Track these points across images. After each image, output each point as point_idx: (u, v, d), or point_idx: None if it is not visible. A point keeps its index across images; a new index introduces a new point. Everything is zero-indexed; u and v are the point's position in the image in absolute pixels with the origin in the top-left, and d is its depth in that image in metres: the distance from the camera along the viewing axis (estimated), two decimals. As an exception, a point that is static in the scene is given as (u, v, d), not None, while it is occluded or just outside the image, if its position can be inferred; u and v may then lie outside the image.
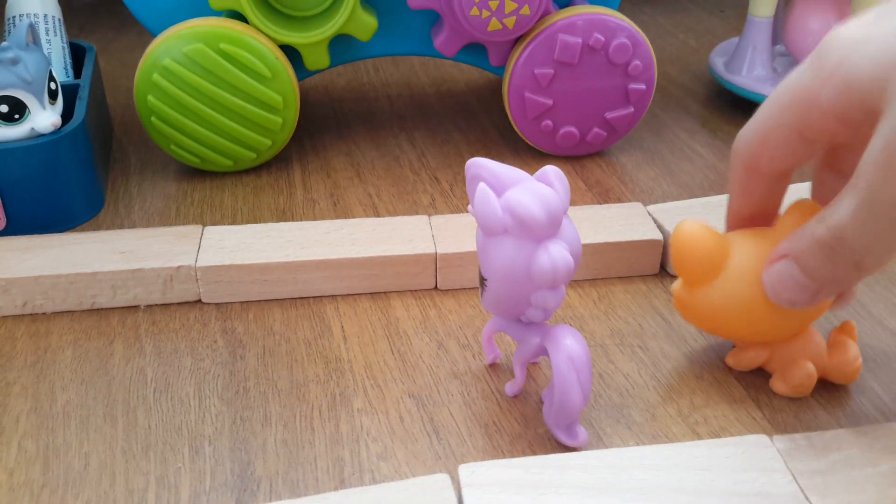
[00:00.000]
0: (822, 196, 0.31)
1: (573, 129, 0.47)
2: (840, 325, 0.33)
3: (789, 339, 0.32)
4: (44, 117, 0.39)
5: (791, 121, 0.27)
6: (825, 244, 0.26)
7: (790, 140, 0.28)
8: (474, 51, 0.48)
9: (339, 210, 0.44)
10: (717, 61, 0.55)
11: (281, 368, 0.34)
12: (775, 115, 0.28)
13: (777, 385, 0.32)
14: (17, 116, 0.39)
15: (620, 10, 0.65)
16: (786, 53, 0.56)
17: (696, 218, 0.39)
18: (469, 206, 0.29)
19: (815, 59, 0.27)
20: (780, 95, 0.28)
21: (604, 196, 0.45)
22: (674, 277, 0.39)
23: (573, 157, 0.49)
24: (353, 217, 0.43)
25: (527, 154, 0.49)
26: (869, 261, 0.25)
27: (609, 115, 0.47)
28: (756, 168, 0.30)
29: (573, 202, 0.44)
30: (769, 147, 0.28)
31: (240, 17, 0.45)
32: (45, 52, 0.45)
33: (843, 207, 0.25)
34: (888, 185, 0.23)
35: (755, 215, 0.31)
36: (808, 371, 0.31)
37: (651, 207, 0.41)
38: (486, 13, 0.44)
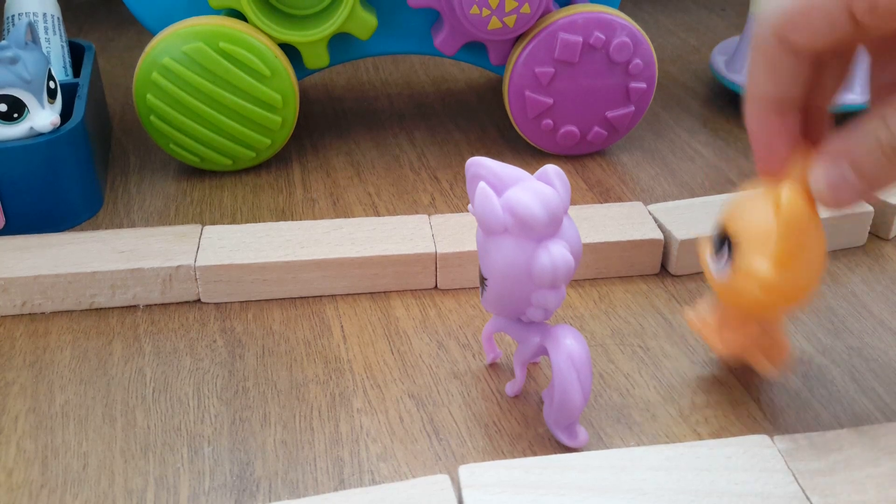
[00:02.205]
0: (878, 89, 0.28)
1: (574, 128, 0.47)
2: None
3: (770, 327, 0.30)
4: (43, 116, 0.39)
5: None
6: (888, 147, 0.24)
7: (836, 16, 0.24)
8: (474, 49, 0.48)
9: (339, 209, 0.44)
10: (719, 60, 0.55)
11: (280, 368, 0.34)
12: None
13: (762, 365, 0.31)
14: (15, 115, 0.39)
15: (621, 8, 0.65)
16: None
17: (698, 218, 0.39)
18: (469, 206, 0.29)
19: None
20: None
21: (604, 195, 0.45)
22: (674, 277, 0.39)
23: (574, 157, 0.49)
24: (353, 216, 0.43)
25: (527, 153, 0.49)
26: None
27: (610, 114, 0.47)
28: (787, 40, 0.26)
29: (574, 201, 0.44)
30: (810, 17, 0.25)
31: (239, 15, 0.45)
32: (44, 50, 0.45)
33: None
34: None
35: (781, 105, 0.27)
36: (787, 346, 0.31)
37: (652, 207, 0.40)
38: (486, 11, 0.43)
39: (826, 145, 0.26)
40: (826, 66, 0.27)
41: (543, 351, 0.30)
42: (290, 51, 0.46)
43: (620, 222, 0.39)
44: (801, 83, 0.27)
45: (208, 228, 0.39)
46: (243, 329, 0.36)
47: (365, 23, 0.45)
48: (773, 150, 0.28)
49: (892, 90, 0.25)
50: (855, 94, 0.51)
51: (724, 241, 0.29)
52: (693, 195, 0.45)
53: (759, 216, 0.27)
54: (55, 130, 0.40)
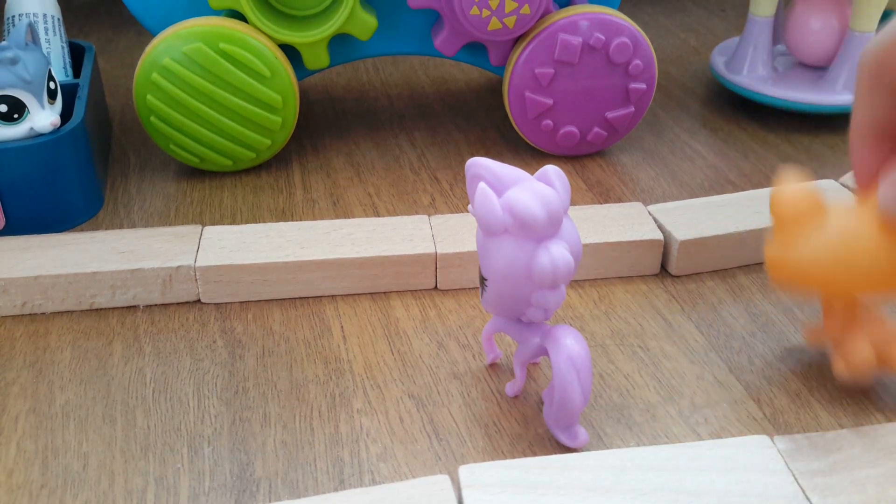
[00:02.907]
0: None
1: (573, 129, 0.47)
2: None
3: (870, 316, 0.32)
4: (43, 117, 0.39)
5: None
6: None
7: None
8: (474, 50, 0.48)
9: (339, 210, 0.44)
10: (718, 61, 0.55)
11: (280, 369, 0.34)
12: None
13: (838, 366, 0.32)
14: (16, 116, 0.39)
15: (621, 9, 0.65)
16: (786, 53, 0.56)
17: (697, 218, 0.39)
18: (469, 206, 0.29)
19: None
20: None
21: (604, 196, 0.45)
22: (674, 277, 0.39)
23: (573, 157, 0.49)
24: (353, 217, 0.43)
25: (527, 154, 0.49)
26: None
27: (609, 114, 0.47)
28: (881, 77, 0.28)
29: (573, 202, 0.44)
30: None
31: (239, 16, 0.45)
32: (45, 51, 0.45)
33: None
34: None
35: (880, 134, 0.29)
36: (863, 356, 0.31)
37: (651, 207, 0.40)
38: (486, 12, 0.44)
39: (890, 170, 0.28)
40: None
41: (543, 351, 0.30)
42: (290, 51, 0.46)
43: (620, 223, 0.39)
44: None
45: (208, 229, 0.39)
46: (243, 329, 0.36)
47: (365, 24, 0.45)
48: (868, 173, 0.30)
49: None
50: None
51: None
52: (693, 196, 0.45)
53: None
54: (55, 131, 0.40)
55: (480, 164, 0.28)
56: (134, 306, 0.37)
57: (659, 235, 0.39)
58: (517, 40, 0.46)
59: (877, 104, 0.29)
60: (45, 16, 0.47)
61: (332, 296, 0.38)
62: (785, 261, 0.31)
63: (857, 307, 0.32)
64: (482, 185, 0.27)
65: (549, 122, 0.46)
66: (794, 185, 0.31)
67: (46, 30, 0.47)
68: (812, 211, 0.30)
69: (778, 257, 0.31)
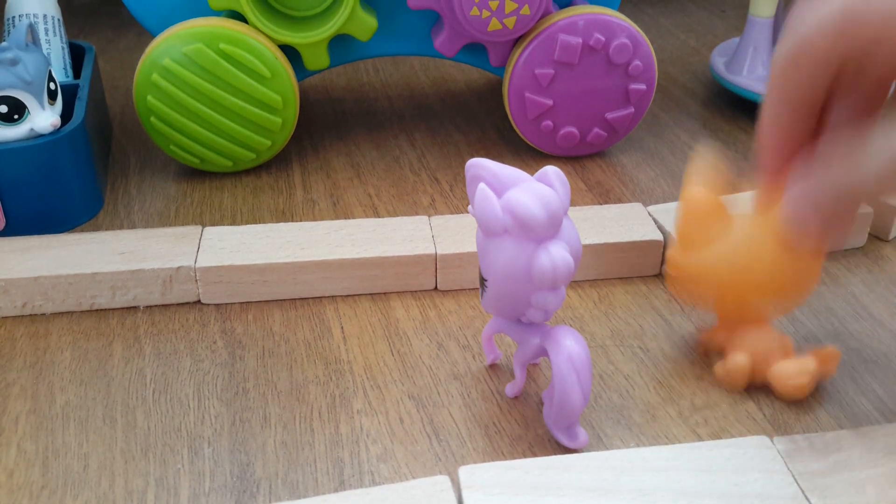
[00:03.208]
0: (833, 125, 0.29)
1: (573, 130, 0.47)
2: (825, 348, 0.32)
3: (758, 327, 0.32)
4: (43, 118, 0.39)
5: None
6: (839, 193, 0.26)
7: (831, 52, 0.27)
8: (474, 51, 0.48)
9: (339, 210, 0.44)
10: (718, 61, 0.55)
11: (280, 369, 0.34)
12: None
13: (718, 369, 0.33)
14: (16, 117, 0.39)
15: (621, 10, 0.65)
16: (786, 53, 0.56)
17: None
18: (469, 207, 0.29)
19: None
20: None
21: (604, 196, 0.45)
22: (674, 278, 0.39)
23: (573, 158, 0.49)
24: (353, 217, 0.43)
25: (527, 154, 0.49)
26: (876, 199, 0.25)
27: (609, 115, 0.47)
28: (799, 64, 0.28)
29: (573, 203, 0.44)
30: (811, 49, 0.27)
31: (239, 17, 0.45)
32: (45, 52, 0.45)
33: (878, 156, 0.25)
34: None
35: (791, 117, 0.28)
36: (737, 361, 0.32)
37: (651, 208, 0.41)
38: (486, 13, 0.44)
39: (791, 187, 0.28)
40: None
41: (543, 352, 0.30)
42: (290, 52, 0.46)
43: (620, 223, 0.39)
44: (805, 118, 0.28)
45: (208, 230, 0.39)
46: (243, 330, 0.36)
47: (365, 24, 0.45)
48: (774, 163, 0.29)
49: (844, 126, 0.27)
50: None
51: None
52: (693, 196, 0.45)
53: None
54: (55, 132, 0.40)
55: (480, 165, 0.28)
56: (134, 307, 0.37)
57: (659, 236, 0.39)
58: (517, 41, 0.46)
59: (792, 92, 0.28)
60: (45, 16, 0.47)
61: (333, 296, 0.38)
62: (686, 269, 0.32)
63: (749, 317, 0.32)
64: (482, 185, 0.27)
65: (548, 122, 0.47)
66: (702, 196, 0.31)
67: (47, 30, 0.47)
68: (716, 217, 0.31)
69: (679, 265, 0.32)
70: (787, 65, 0.27)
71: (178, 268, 0.36)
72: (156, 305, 0.37)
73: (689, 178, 0.32)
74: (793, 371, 0.31)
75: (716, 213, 0.31)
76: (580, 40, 0.44)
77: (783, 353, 0.32)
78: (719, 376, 0.32)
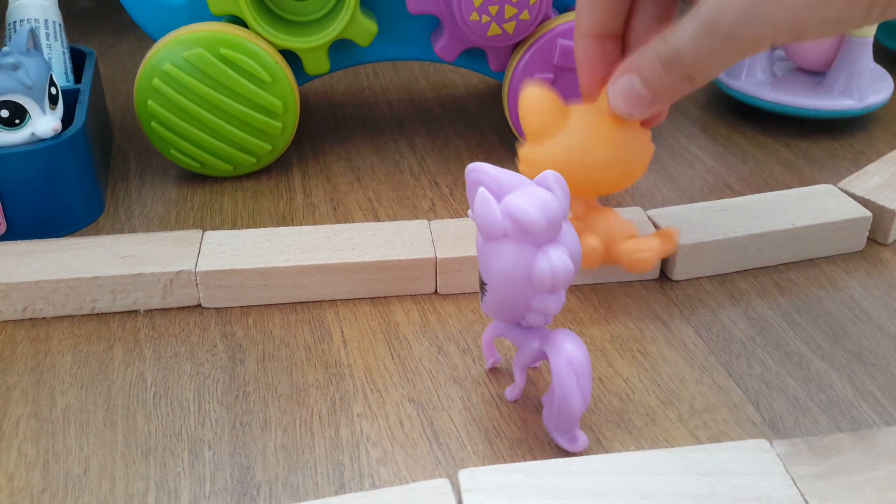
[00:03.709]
0: (648, 23, 0.33)
1: (573, 134, 0.47)
2: (666, 228, 0.36)
3: (606, 214, 0.36)
4: (44, 122, 0.40)
5: None
6: (665, 60, 0.29)
7: None
8: (474, 56, 0.48)
9: (339, 214, 0.44)
10: (717, 66, 0.55)
11: (281, 373, 0.34)
12: None
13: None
14: (17, 121, 0.39)
15: (620, 14, 0.65)
16: (785, 58, 0.56)
17: (697, 223, 0.39)
18: (469, 211, 0.29)
19: None
20: None
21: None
22: (673, 283, 0.39)
23: (573, 162, 0.49)
24: (353, 221, 0.43)
25: (526, 159, 0.49)
26: (701, 76, 0.29)
27: (609, 119, 0.47)
28: None
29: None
30: None
31: (240, 21, 0.45)
32: (46, 57, 0.45)
33: (686, 29, 0.28)
34: (726, 13, 0.27)
35: (601, 36, 0.33)
36: (589, 243, 0.35)
37: (651, 212, 0.41)
38: (485, 18, 0.44)
39: (620, 65, 0.31)
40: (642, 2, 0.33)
41: (543, 356, 0.30)
42: (290, 57, 0.46)
43: (620, 227, 0.39)
44: (617, 18, 0.33)
45: (209, 234, 0.39)
46: (244, 334, 0.36)
47: (365, 29, 0.45)
48: (592, 74, 0.33)
49: (662, 23, 0.31)
50: (853, 99, 0.51)
51: None
52: (692, 200, 0.46)
53: None
54: (56, 136, 0.40)
55: (480, 169, 0.28)
56: (135, 311, 0.37)
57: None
58: (517, 46, 0.46)
59: (598, 10, 0.32)
60: (46, 21, 0.47)
61: (333, 300, 0.38)
62: (535, 162, 0.34)
63: (596, 204, 0.36)
64: (482, 189, 0.28)
65: (548, 127, 0.47)
66: (539, 92, 0.34)
67: (48, 35, 0.47)
68: (556, 114, 0.34)
69: (528, 159, 0.35)
70: None
71: (179, 272, 0.37)
72: (156, 309, 0.37)
73: (526, 86, 0.34)
74: (637, 247, 0.35)
75: (554, 107, 0.34)
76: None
77: (629, 235, 0.35)
78: (585, 257, 0.35)
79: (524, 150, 0.35)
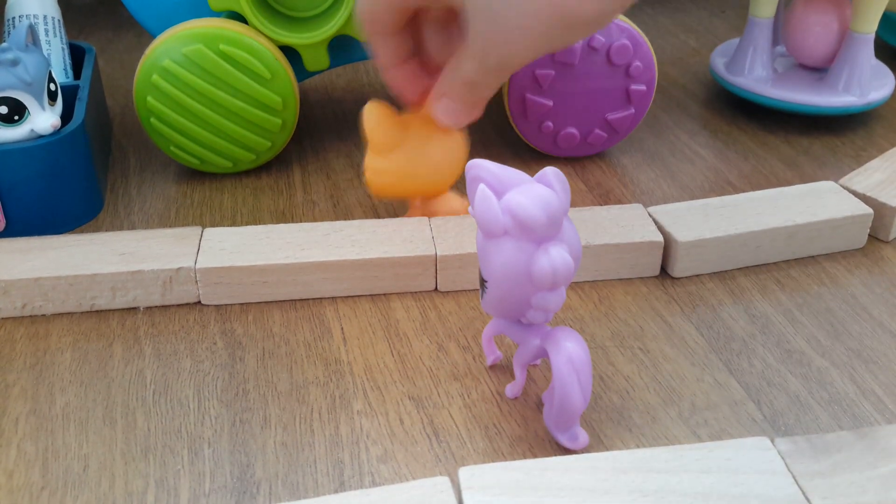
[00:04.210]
0: (439, 48, 0.39)
1: (574, 131, 0.47)
2: None
3: (439, 196, 0.40)
4: (43, 118, 0.39)
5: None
6: (465, 85, 0.36)
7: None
8: (474, 52, 0.48)
9: (339, 211, 0.44)
10: (718, 62, 0.55)
11: (280, 370, 0.34)
12: None
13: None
14: (16, 118, 0.39)
15: (621, 10, 0.65)
16: (786, 54, 0.56)
17: (698, 220, 0.39)
18: (469, 208, 0.29)
19: None
20: None
21: (604, 197, 0.45)
22: (674, 279, 0.39)
23: (574, 159, 0.49)
24: (353, 218, 0.43)
25: (527, 155, 0.49)
26: (491, 90, 0.37)
27: (610, 116, 0.47)
28: (373, 27, 0.37)
29: (574, 203, 0.44)
30: (374, 10, 0.37)
31: (239, 18, 0.45)
32: (45, 53, 0.45)
33: (467, 65, 0.35)
34: (497, 52, 0.34)
35: (399, 62, 0.38)
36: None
37: (652, 209, 0.41)
38: (486, 14, 0.43)
39: (434, 88, 0.38)
40: (428, 30, 0.38)
41: (543, 353, 0.30)
42: (290, 53, 0.46)
43: (620, 224, 0.39)
44: (407, 43, 0.38)
45: (209, 231, 0.39)
46: (243, 331, 0.36)
47: (365, 25, 0.45)
48: (408, 92, 0.39)
49: (452, 46, 0.37)
50: (855, 96, 0.51)
51: None
52: (693, 197, 0.45)
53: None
54: (56, 133, 0.40)
55: (480, 166, 0.28)
56: (134, 308, 0.37)
57: (659, 237, 0.39)
58: (517, 42, 0.46)
59: (385, 47, 0.38)
60: (45, 17, 0.47)
61: (333, 297, 0.38)
62: (380, 170, 0.39)
63: (434, 194, 0.40)
64: (482, 186, 0.27)
65: (549, 123, 0.47)
66: (378, 108, 0.38)
67: (47, 31, 0.47)
68: (395, 128, 0.38)
69: (373, 167, 0.39)
70: (367, 22, 0.37)
71: (179, 269, 0.36)
72: (156, 306, 0.37)
73: (368, 107, 0.38)
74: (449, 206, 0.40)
75: (393, 121, 0.38)
76: (580, 41, 0.44)
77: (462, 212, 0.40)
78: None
79: (369, 160, 0.39)
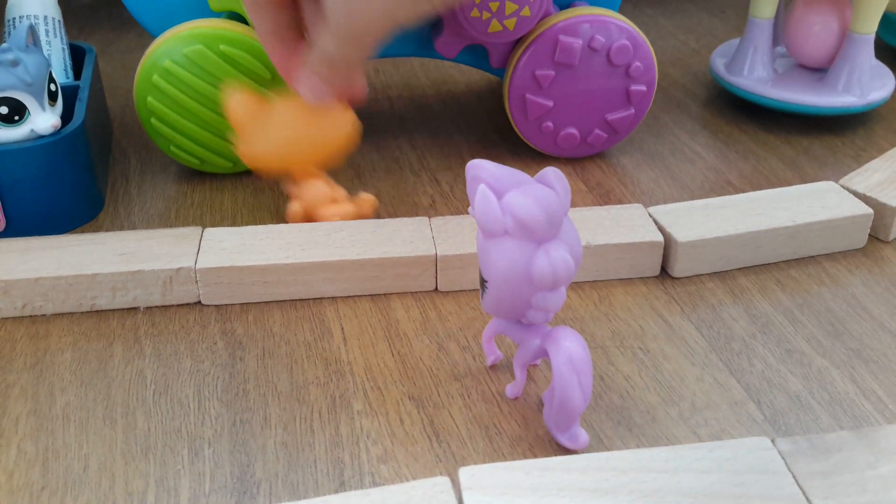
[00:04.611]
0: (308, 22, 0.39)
1: (574, 131, 0.47)
2: (363, 195, 0.42)
3: (313, 183, 0.41)
4: (44, 119, 0.39)
5: None
6: (324, 60, 0.37)
7: None
8: (475, 52, 0.48)
9: (340, 211, 0.44)
10: (718, 62, 0.55)
11: (281, 370, 0.34)
12: None
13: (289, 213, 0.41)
14: (16, 118, 0.39)
15: (621, 11, 0.65)
16: (786, 55, 0.56)
17: (698, 220, 0.39)
18: (469, 208, 0.29)
19: None
20: None
21: (604, 198, 0.45)
22: (674, 279, 0.39)
23: (574, 159, 0.49)
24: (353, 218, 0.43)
25: (527, 155, 0.49)
26: (352, 63, 0.37)
27: (610, 116, 0.47)
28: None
29: (574, 204, 0.44)
30: None
31: (240, 18, 0.45)
32: (45, 53, 0.45)
33: (322, 39, 0.36)
34: (348, 25, 0.34)
35: (277, 35, 0.39)
36: (291, 208, 0.41)
37: (652, 209, 0.41)
38: (486, 15, 0.44)
39: (299, 70, 0.38)
40: (306, 4, 0.38)
41: (544, 353, 0.30)
42: (290, 53, 0.46)
43: (620, 225, 0.39)
44: (286, 17, 0.38)
45: (209, 230, 0.39)
46: (244, 331, 0.36)
47: (365, 25, 0.45)
48: (286, 66, 0.39)
49: (314, 23, 0.38)
50: (855, 96, 0.51)
51: None
52: (693, 197, 0.45)
53: None
54: (56, 133, 0.40)
55: (480, 166, 0.28)
56: (134, 308, 0.37)
57: (659, 237, 0.39)
58: (517, 42, 0.46)
59: (264, 18, 0.38)
60: (45, 18, 0.47)
61: (333, 297, 0.38)
62: (252, 155, 0.40)
63: (308, 177, 0.41)
64: (482, 186, 0.27)
65: (549, 123, 0.47)
66: (242, 97, 0.39)
67: (47, 32, 0.47)
68: (259, 113, 0.39)
69: (246, 153, 0.40)
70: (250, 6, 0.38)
71: (179, 269, 0.36)
72: (156, 306, 0.37)
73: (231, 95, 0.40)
74: (331, 213, 0.40)
75: (257, 108, 0.39)
76: (580, 42, 0.44)
77: (332, 200, 0.41)
78: (287, 219, 0.41)
79: (241, 147, 0.40)
